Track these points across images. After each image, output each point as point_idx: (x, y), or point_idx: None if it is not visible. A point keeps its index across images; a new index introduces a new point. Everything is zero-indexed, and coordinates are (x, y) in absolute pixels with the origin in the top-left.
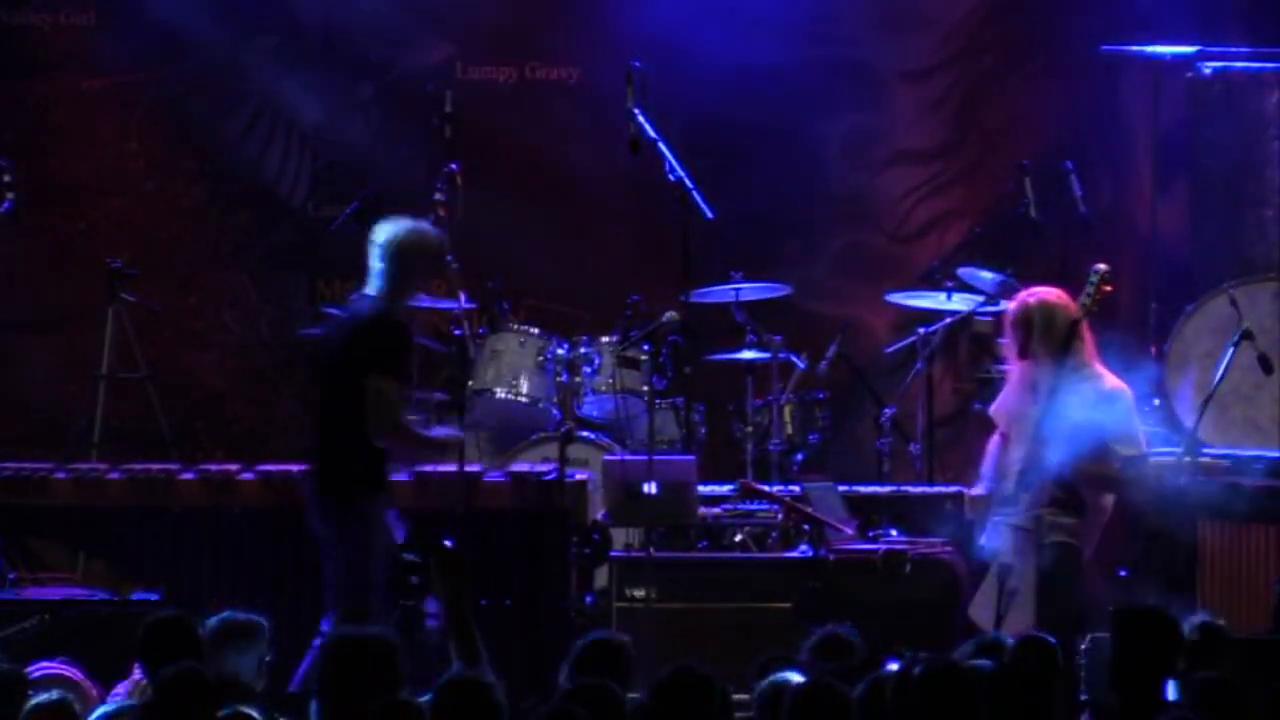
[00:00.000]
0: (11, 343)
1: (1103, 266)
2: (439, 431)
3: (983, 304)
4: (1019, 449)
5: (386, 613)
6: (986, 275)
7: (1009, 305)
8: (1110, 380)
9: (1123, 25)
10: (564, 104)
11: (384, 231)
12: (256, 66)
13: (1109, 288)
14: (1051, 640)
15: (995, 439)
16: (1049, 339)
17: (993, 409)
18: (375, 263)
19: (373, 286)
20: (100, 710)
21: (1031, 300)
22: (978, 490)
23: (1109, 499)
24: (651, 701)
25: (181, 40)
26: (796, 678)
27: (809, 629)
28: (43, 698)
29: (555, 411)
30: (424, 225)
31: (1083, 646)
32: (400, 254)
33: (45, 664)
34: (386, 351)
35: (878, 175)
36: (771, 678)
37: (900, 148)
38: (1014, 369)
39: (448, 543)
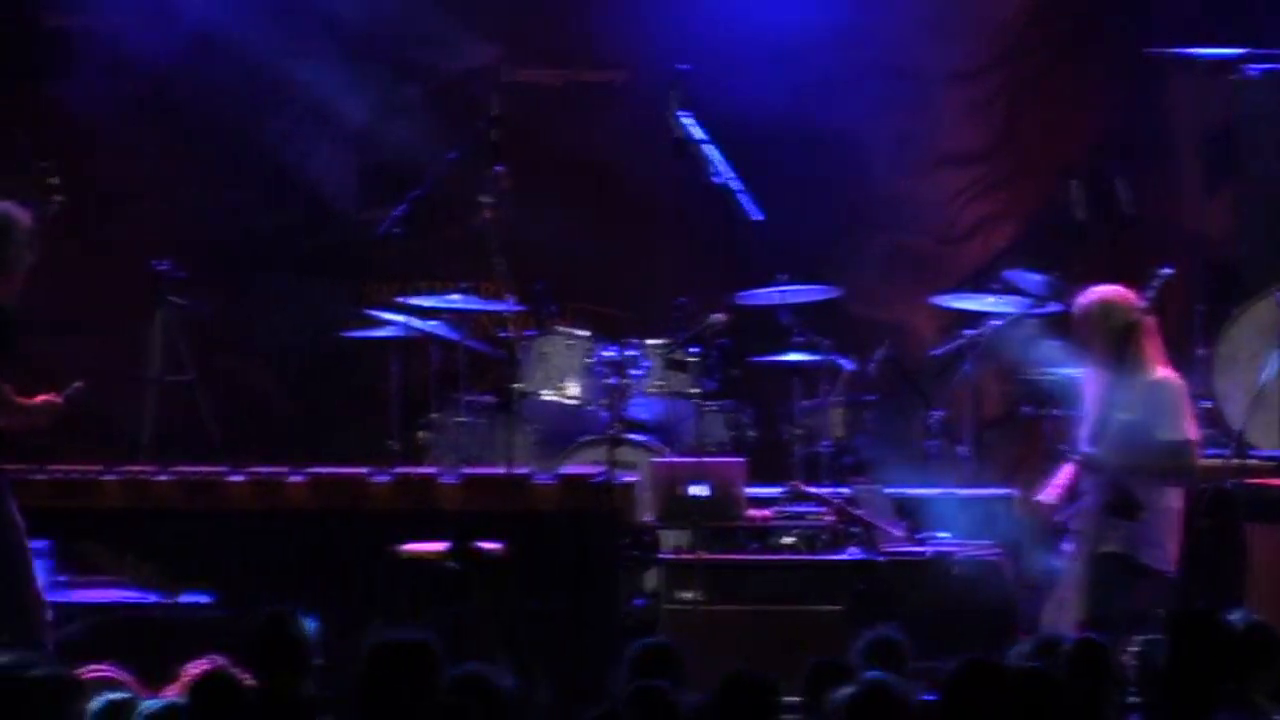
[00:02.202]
0: (59, 345)
1: (1168, 271)
2: (34, 401)
3: (1029, 306)
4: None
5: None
6: (1033, 277)
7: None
8: (1159, 371)
9: (1169, 27)
10: (610, 106)
11: None
12: (302, 68)
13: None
14: (1103, 642)
15: None
16: (1105, 338)
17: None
18: None
19: None
20: (146, 704)
21: (1091, 299)
22: (1042, 496)
23: (1171, 500)
24: (712, 704)
25: (225, 42)
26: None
27: (858, 631)
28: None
29: (603, 414)
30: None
31: (1132, 649)
32: None
33: (94, 667)
34: None
35: (924, 178)
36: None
37: (947, 150)
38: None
39: (488, 547)
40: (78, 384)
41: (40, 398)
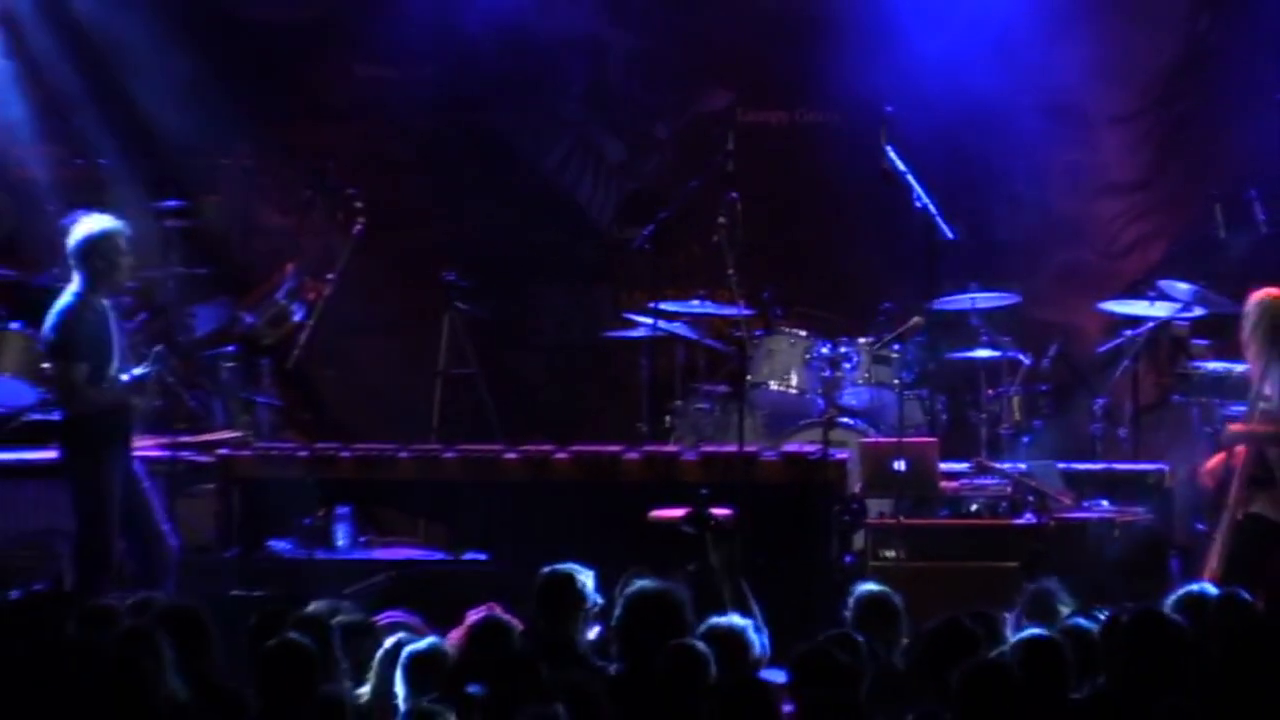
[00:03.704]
0: (364, 343)
1: None
2: (123, 382)
3: (1180, 311)
4: None
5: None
6: (1182, 286)
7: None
8: None
9: None
10: (826, 142)
11: (74, 233)
12: (571, 110)
13: None
14: (1247, 597)
15: None
16: (1262, 332)
17: None
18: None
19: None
20: (414, 644)
21: (1251, 299)
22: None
23: None
24: (920, 646)
25: (506, 88)
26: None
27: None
28: (420, 644)
29: (820, 401)
30: (103, 223)
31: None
32: (81, 253)
33: (390, 613)
34: (60, 336)
35: (1091, 203)
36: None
37: (1109, 179)
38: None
39: (722, 513)
40: (156, 366)
41: (130, 376)
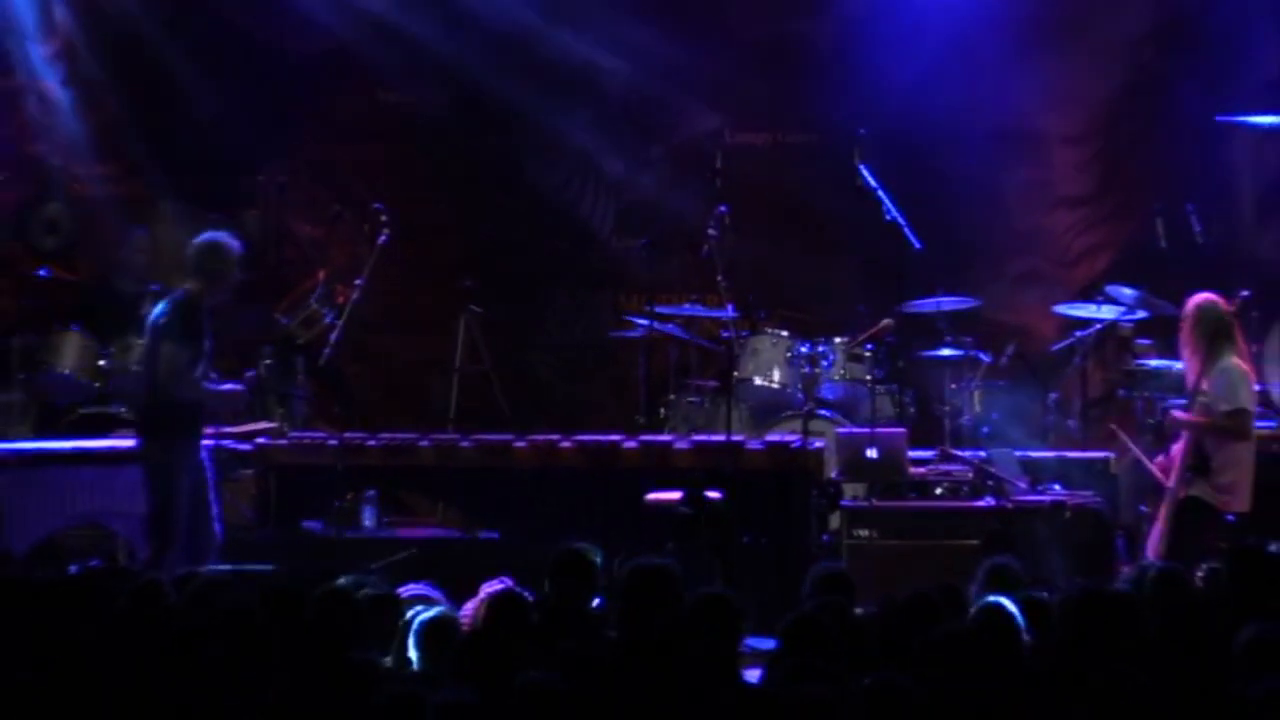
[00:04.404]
0: (389, 342)
1: (1246, 293)
2: (224, 386)
3: (1125, 313)
4: None
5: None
6: (1127, 291)
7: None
8: (1230, 359)
9: (1233, 100)
10: (806, 161)
11: (198, 239)
12: (575, 133)
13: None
14: (1181, 569)
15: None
16: (1195, 336)
17: None
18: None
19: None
20: (425, 614)
21: (1192, 303)
22: (1157, 460)
23: (1236, 455)
24: (896, 612)
25: (514, 113)
26: None
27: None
28: (430, 613)
29: (799, 395)
30: (219, 236)
31: (1200, 574)
32: (196, 258)
33: (412, 586)
34: (171, 319)
35: (1045, 216)
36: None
37: (1061, 195)
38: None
39: (714, 495)
40: (252, 373)
41: (227, 385)
